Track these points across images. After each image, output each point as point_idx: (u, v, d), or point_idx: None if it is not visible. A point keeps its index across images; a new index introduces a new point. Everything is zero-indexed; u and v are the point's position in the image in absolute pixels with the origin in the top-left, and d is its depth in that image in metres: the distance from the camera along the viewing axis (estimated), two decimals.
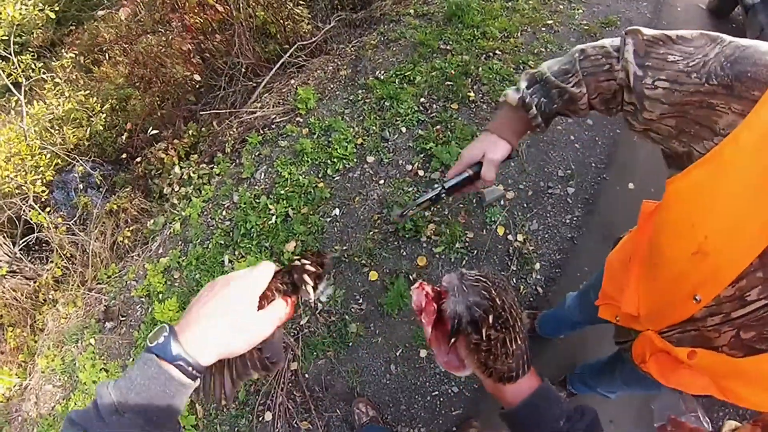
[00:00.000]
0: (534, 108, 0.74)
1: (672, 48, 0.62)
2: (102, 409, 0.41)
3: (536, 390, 0.55)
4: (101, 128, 3.97)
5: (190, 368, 0.44)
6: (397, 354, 2.13)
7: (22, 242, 4.09)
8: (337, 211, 2.49)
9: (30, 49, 5.47)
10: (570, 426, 0.51)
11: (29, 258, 4.20)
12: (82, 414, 0.41)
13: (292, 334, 2.32)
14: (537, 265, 2.32)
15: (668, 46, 0.62)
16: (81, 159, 4.14)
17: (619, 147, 2.85)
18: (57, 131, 4.13)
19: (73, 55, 4.18)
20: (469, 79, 2.96)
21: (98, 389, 0.42)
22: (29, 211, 3.82)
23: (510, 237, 2.39)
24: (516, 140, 0.79)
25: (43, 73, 4.06)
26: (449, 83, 2.93)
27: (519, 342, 0.53)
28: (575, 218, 2.54)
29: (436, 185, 0.77)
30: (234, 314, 0.47)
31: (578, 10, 3.81)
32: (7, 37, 3.81)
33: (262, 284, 0.51)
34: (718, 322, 0.60)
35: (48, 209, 4.12)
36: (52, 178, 4.14)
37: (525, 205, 2.52)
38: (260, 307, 0.50)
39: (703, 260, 0.57)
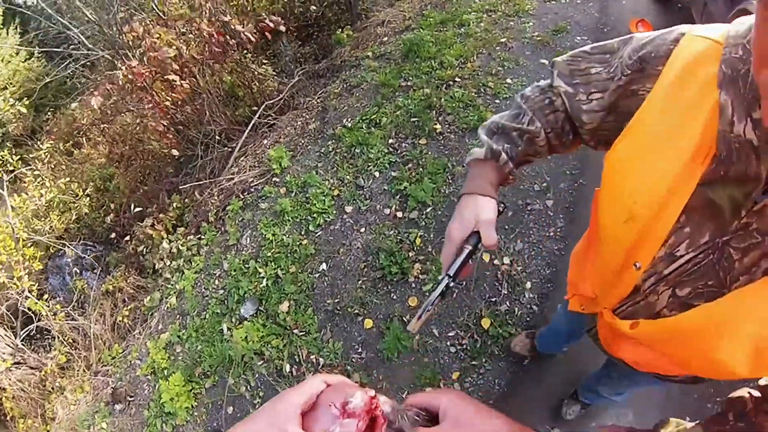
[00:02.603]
0: (503, 154, 0.75)
1: (591, 61, 0.67)
2: None
3: None
4: (87, 211, 4.03)
5: None
6: (403, 396, 2.12)
7: (23, 333, 4.10)
8: (324, 266, 2.53)
9: (10, 139, 5.60)
10: None
11: (32, 347, 4.20)
12: None
13: None
14: (528, 284, 2.34)
15: (587, 60, 0.68)
16: (71, 243, 4.19)
17: (590, 150, 2.91)
18: (43, 220, 4.20)
19: (50, 145, 4.30)
20: (434, 112, 3.05)
21: None
22: (26, 300, 3.85)
23: (496, 262, 2.42)
24: (496, 192, 0.77)
25: (23, 165, 4.15)
26: (414, 119, 3.03)
27: None
28: (558, 230, 2.56)
29: (441, 278, 0.71)
30: (271, 421, 0.49)
31: (528, 23, 3.93)
32: None
33: (303, 398, 0.52)
34: (653, 283, 0.62)
35: (45, 296, 4.15)
36: (42, 267, 4.17)
37: (507, 227, 2.55)
38: (305, 423, 0.51)
39: (634, 226, 0.59)
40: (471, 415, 0.52)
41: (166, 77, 3.09)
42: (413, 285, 2.31)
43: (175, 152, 3.35)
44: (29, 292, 3.85)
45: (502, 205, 0.77)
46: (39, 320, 3.95)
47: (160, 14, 3.96)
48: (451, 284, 0.71)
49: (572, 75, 0.69)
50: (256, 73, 3.96)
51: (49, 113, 5.35)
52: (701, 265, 0.55)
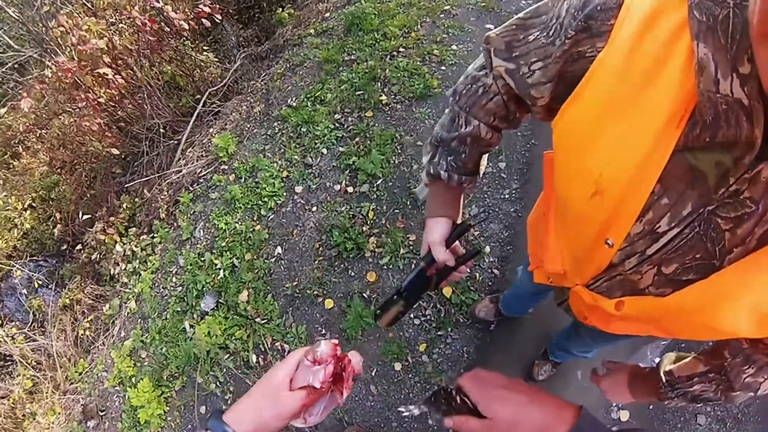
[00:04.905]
0: (447, 174, 0.76)
1: (527, 27, 0.59)
2: None
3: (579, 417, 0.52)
4: (33, 225, 3.82)
5: None
6: (373, 374, 2.11)
7: None
8: (279, 249, 2.46)
9: None
10: None
11: None
12: None
13: None
14: (487, 248, 2.32)
15: (523, 28, 0.60)
16: (19, 262, 3.99)
17: None
18: None
19: None
20: (378, 83, 2.98)
21: None
22: None
23: None
24: (454, 210, 0.80)
25: None
26: (360, 92, 2.95)
27: None
28: (513, 191, 2.55)
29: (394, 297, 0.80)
30: (265, 393, 0.59)
31: None
32: None
33: (288, 369, 0.60)
34: (636, 263, 0.56)
35: (0, 321, 3.95)
36: None
37: None
38: (292, 386, 0.60)
39: (602, 201, 0.53)
40: (512, 411, 0.56)
41: (96, 71, 2.89)
42: (370, 260, 2.27)
43: (115, 150, 3.17)
44: None
45: (469, 221, 0.82)
46: None
47: (88, 5, 3.69)
48: (404, 293, 0.80)
49: (510, 48, 0.61)
50: (197, 60, 3.77)
51: None
52: (687, 239, 0.49)
